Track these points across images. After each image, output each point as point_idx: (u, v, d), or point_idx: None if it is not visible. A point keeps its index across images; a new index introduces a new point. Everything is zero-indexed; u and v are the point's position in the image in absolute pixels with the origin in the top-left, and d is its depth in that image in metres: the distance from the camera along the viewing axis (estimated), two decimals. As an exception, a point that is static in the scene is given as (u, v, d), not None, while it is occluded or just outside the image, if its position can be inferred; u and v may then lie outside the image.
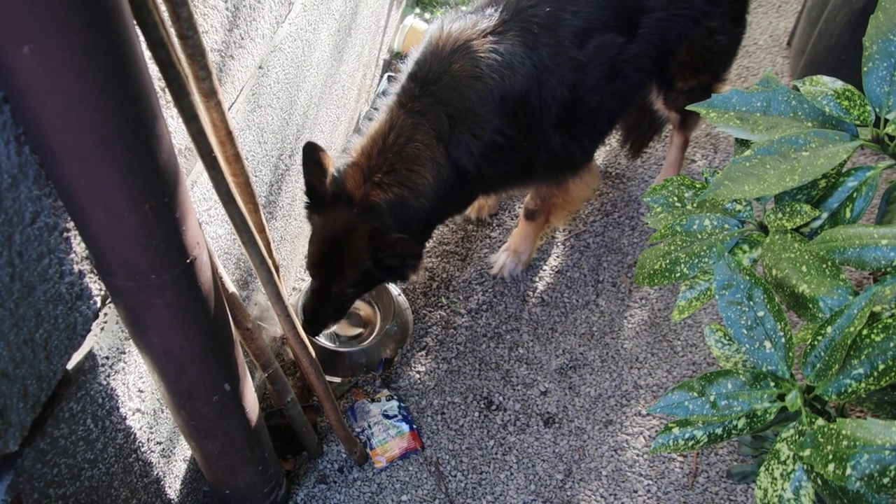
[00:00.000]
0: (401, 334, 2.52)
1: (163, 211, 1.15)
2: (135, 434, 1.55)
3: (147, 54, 1.13)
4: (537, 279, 2.73)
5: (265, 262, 1.60)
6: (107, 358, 1.40)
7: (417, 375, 2.46)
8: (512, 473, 2.21)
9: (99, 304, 1.33)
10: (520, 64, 2.08)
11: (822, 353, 1.10)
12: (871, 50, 1.26)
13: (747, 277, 1.20)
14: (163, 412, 1.67)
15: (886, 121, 1.24)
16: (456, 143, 2.09)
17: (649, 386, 2.39)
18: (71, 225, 1.19)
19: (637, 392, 2.38)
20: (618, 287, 2.69)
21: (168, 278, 1.22)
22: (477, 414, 2.35)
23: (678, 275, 1.36)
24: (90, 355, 1.34)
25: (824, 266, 1.15)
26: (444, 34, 2.11)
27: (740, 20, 2.54)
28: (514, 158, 2.23)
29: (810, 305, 1.14)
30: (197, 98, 1.29)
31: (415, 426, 2.29)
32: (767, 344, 1.17)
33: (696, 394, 1.18)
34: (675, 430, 1.24)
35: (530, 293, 2.69)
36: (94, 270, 1.28)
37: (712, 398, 1.16)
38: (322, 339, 2.48)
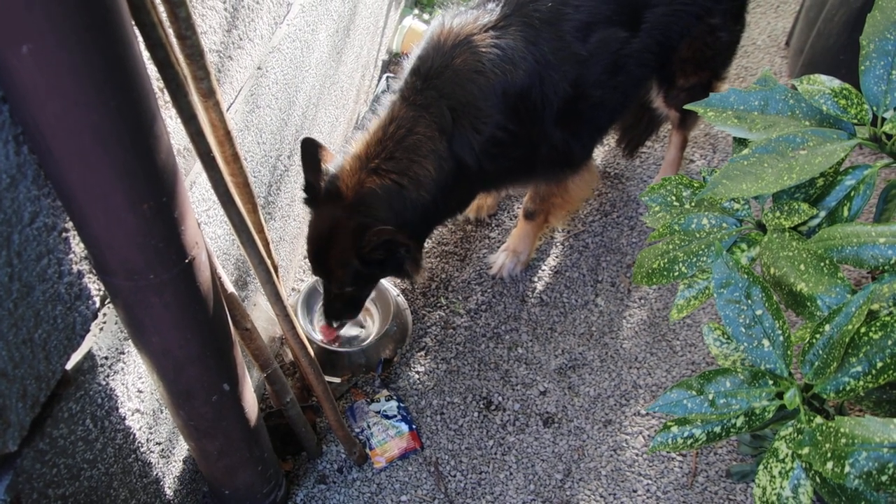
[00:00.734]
0: (400, 334, 2.52)
1: (161, 211, 1.15)
2: (134, 434, 1.55)
3: (145, 54, 1.13)
4: (536, 279, 2.73)
5: (264, 263, 1.60)
6: (106, 358, 1.40)
7: (417, 376, 2.46)
8: (511, 473, 2.21)
9: (98, 304, 1.33)
10: (521, 59, 2.08)
11: (821, 352, 1.10)
12: (869, 49, 1.26)
13: (745, 276, 1.20)
14: (162, 412, 1.67)
15: (884, 119, 1.24)
16: (458, 137, 2.08)
17: (648, 385, 2.39)
18: (70, 225, 1.19)
19: (636, 392, 2.38)
20: (617, 287, 2.69)
21: (166, 278, 1.23)
22: (476, 414, 2.35)
23: (676, 274, 1.36)
24: (89, 355, 1.34)
25: (822, 264, 1.15)
26: (446, 29, 2.11)
27: (740, 18, 2.55)
28: (515, 154, 2.22)
29: (808, 304, 1.14)
30: (195, 98, 1.29)
31: (414, 426, 2.29)
32: (766, 342, 1.17)
33: (694, 392, 1.18)
34: (674, 429, 1.24)
35: (529, 293, 2.69)
36: (93, 270, 1.28)
37: (711, 397, 1.17)
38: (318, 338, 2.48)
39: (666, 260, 1.38)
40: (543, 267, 2.77)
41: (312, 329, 2.52)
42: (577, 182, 2.51)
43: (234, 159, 1.49)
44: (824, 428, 1.03)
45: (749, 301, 1.19)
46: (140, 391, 1.55)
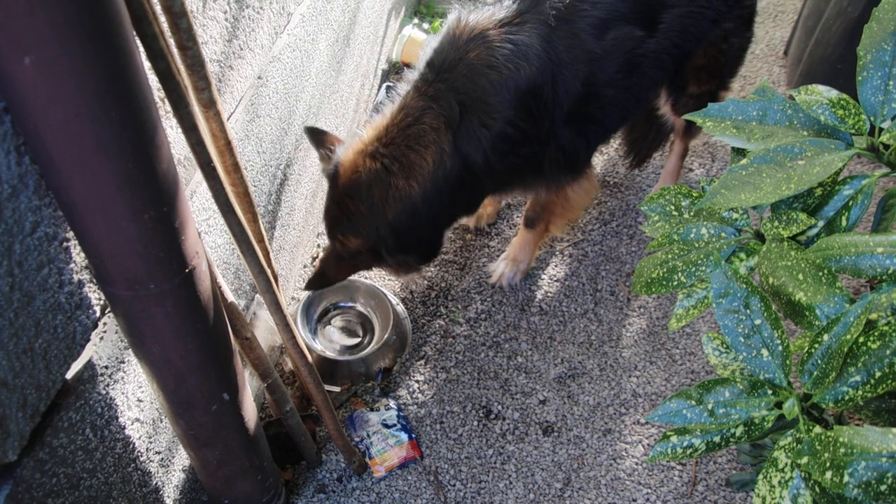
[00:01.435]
0: (399, 343, 2.52)
1: (162, 220, 1.16)
2: (134, 443, 1.55)
3: (147, 65, 1.13)
4: (536, 288, 2.74)
5: (264, 272, 1.61)
6: (106, 367, 1.40)
7: (416, 385, 2.46)
8: (511, 482, 2.20)
9: (98, 314, 1.33)
10: (535, 56, 2.08)
11: (819, 361, 1.10)
12: (866, 59, 1.26)
13: (744, 286, 1.20)
14: (162, 422, 1.67)
15: (881, 129, 1.25)
16: (464, 132, 2.09)
17: (648, 394, 2.39)
18: (70, 235, 1.20)
19: (636, 400, 2.38)
20: (616, 296, 2.69)
21: (167, 287, 1.23)
22: (476, 423, 2.35)
23: (675, 283, 1.36)
24: (89, 365, 1.34)
25: (821, 274, 1.16)
26: (462, 23, 2.13)
27: (750, 24, 2.56)
28: (524, 151, 2.21)
29: (807, 313, 1.15)
30: (196, 108, 1.30)
31: (414, 435, 2.29)
32: (765, 352, 1.17)
33: (693, 402, 1.18)
34: (674, 439, 1.24)
35: (529, 302, 2.69)
36: (94, 280, 1.29)
37: (710, 406, 1.17)
38: (320, 348, 2.48)
39: (665, 269, 1.38)
40: (543, 276, 2.78)
41: (312, 338, 2.52)
42: (577, 190, 2.51)
43: (235, 169, 1.50)
44: (823, 437, 1.03)
45: (748, 311, 1.19)
46: (140, 400, 1.55)
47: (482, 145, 2.10)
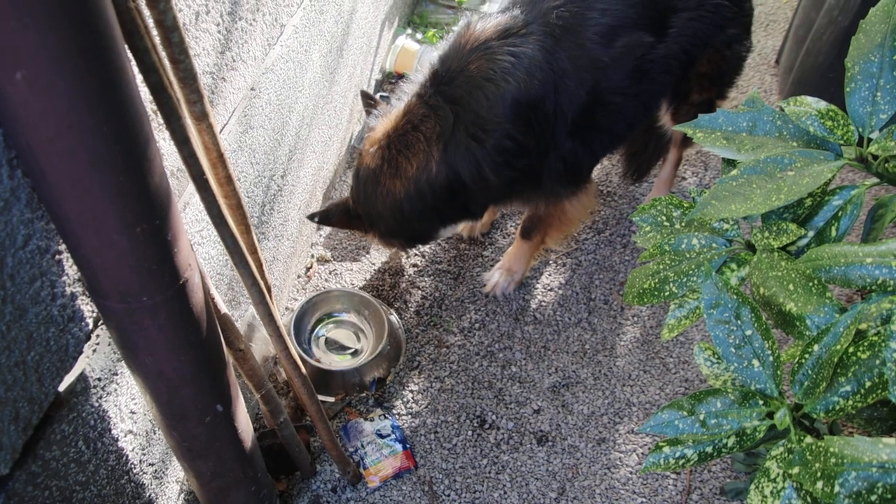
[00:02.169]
0: (394, 353, 2.52)
1: (154, 233, 1.16)
2: (127, 456, 1.55)
3: (139, 78, 1.14)
4: (529, 297, 2.74)
5: (257, 283, 1.61)
6: (99, 380, 1.40)
7: (410, 395, 2.46)
8: (505, 492, 2.20)
9: (91, 326, 1.33)
10: (537, 68, 2.08)
11: (810, 371, 1.10)
12: (854, 71, 1.27)
13: (735, 296, 1.21)
14: (155, 433, 1.67)
15: (869, 140, 1.26)
16: (454, 143, 2.12)
17: (642, 403, 2.40)
18: (63, 248, 1.20)
19: (630, 409, 2.38)
20: (610, 305, 2.70)
21: (160, 300, 1.23)
22: (470, 433, 2.35)
23: (667, 294, 1.37)
24: (82, 377, 1.34)
25: (811, 284, 1.16)
26: (468, 32, 2.15)
27: (749, 31, 2.56)
28: (521, 164, 2.21)
29: (797, 323, 1.15)
30: (188, 121, 1.30)
31: (408, 445, 2.29)
32: (756, 362, 1.18)
33: (685, 413, 1.18)
34: (666, 449, 1.24)
35: (523, 311, 2.70)
36: (86, 292, 1.29)
37: (702, 417, 1.17)
38: (313, 359, 2.48)
39: (656, 280, 1.38)
40: (536, 285, 2.78)
41: (307, 349, 2.51)
42: (576, 204, 2.50)
43: (228, 181, 1.50)
44: (814, 447, 1.04)
45: (739, 321, 1.19)
46: (133, 412, 1.55)
47: (473, 157, 2.11)
